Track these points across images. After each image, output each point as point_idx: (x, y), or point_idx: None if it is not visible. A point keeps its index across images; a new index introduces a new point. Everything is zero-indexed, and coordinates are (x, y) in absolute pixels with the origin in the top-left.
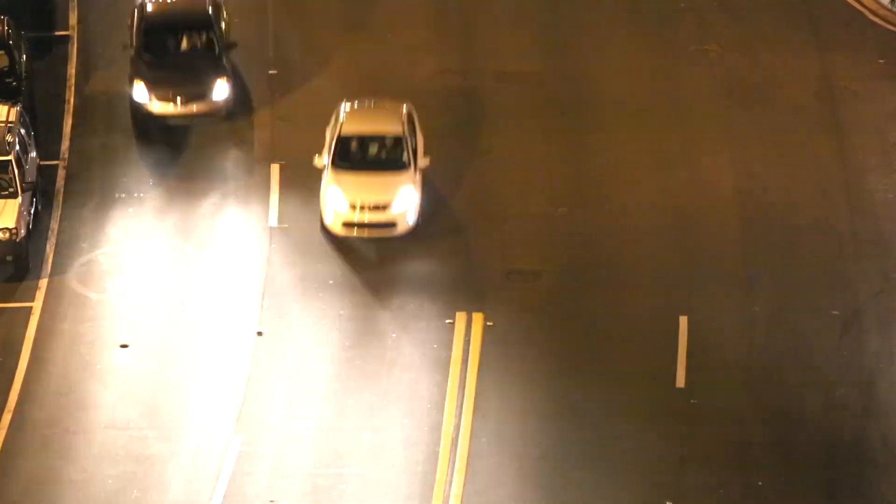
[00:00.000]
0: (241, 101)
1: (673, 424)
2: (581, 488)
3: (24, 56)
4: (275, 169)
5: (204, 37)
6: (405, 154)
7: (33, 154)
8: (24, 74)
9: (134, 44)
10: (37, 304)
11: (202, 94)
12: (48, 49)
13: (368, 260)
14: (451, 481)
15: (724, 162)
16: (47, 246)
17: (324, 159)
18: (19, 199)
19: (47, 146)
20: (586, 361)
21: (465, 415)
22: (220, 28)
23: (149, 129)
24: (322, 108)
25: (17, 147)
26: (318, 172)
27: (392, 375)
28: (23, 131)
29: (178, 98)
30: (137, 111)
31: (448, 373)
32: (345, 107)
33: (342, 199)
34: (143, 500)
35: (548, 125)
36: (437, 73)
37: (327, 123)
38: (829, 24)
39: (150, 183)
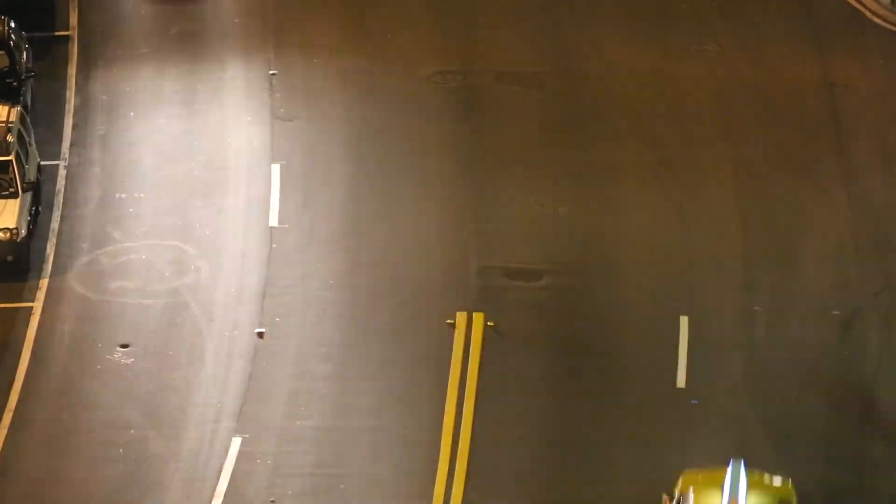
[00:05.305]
0: (241, 101)
1: (673, 424)
2: (581, 488)
3: (25, 56)
4: (275, 169)
5: None
6: None
7: (34, 154)
8: (24, 74)
9: None
10: (37, 305)
11: None
12: (49, 49)
13: (369, 260)
14: (451, 481)
15: (724, 162)
16: (48, 246)
17: None
18: (20, 199)
19: (48, 146)
20: (586, 361)
21: (465, 415)
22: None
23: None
24: (322, 109)
25: (18, 147)
26: (320, 172)
27: (392, 375)
28: (23, 131)
29: None
30: None
31: (448, 373)
32: None
33: None
34: (143, 501)
35: (547, 125)
36: (437, 72)
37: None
38: (829, 24)
39: (151, 183)
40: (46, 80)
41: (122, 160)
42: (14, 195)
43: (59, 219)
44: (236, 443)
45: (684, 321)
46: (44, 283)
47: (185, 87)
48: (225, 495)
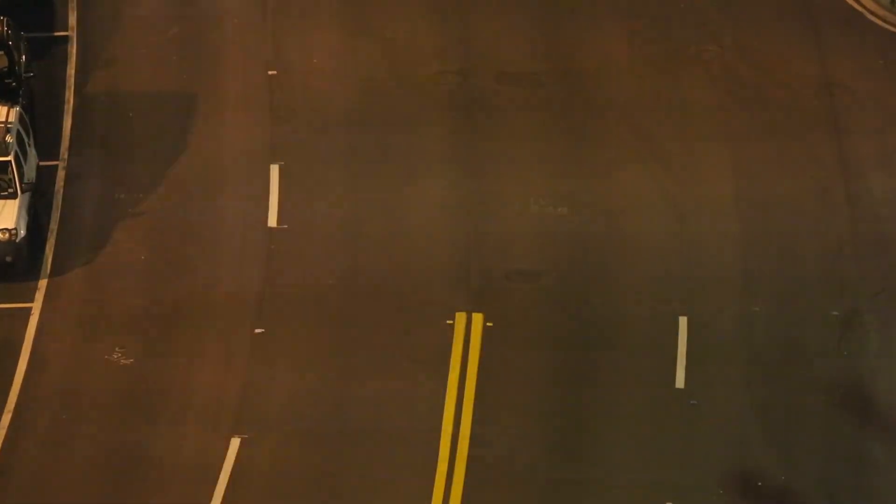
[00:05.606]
0: (241, 101)
1: (673, 425)
2: (581, 488)
3: (24, 57)
4: (274, 169)
5: None
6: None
7: (33, 154)
8: (23, 75)
9: None
10: (36, 305)
11: None
12: (48, 50)
13: (368, 260)
14: (451, 481)
15: (724, 162)
16: (47, 246)
17: None
18: (18, 199)
19: (47, 147)
20: (586, 362)
21: (464, 415)
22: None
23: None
24: (322, 109)
25: (17, 147)
26: (319, 172)
27: (392, 376)
28: (22, 132)
29: None
30: None
31: (448, 373)
32: None
33: None
34: (143, 501)
35: (547, 126)
36: (437, 73)
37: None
38: (828, 24)
39: (150, 183)
40: (46, 81)
41: (121, 160)
42: (13, 196)
43: (58, 219)
44: (236, 443)
45: (683, 322)
46: (43, 283)
47: (185, 87)
48: (225, 495)
